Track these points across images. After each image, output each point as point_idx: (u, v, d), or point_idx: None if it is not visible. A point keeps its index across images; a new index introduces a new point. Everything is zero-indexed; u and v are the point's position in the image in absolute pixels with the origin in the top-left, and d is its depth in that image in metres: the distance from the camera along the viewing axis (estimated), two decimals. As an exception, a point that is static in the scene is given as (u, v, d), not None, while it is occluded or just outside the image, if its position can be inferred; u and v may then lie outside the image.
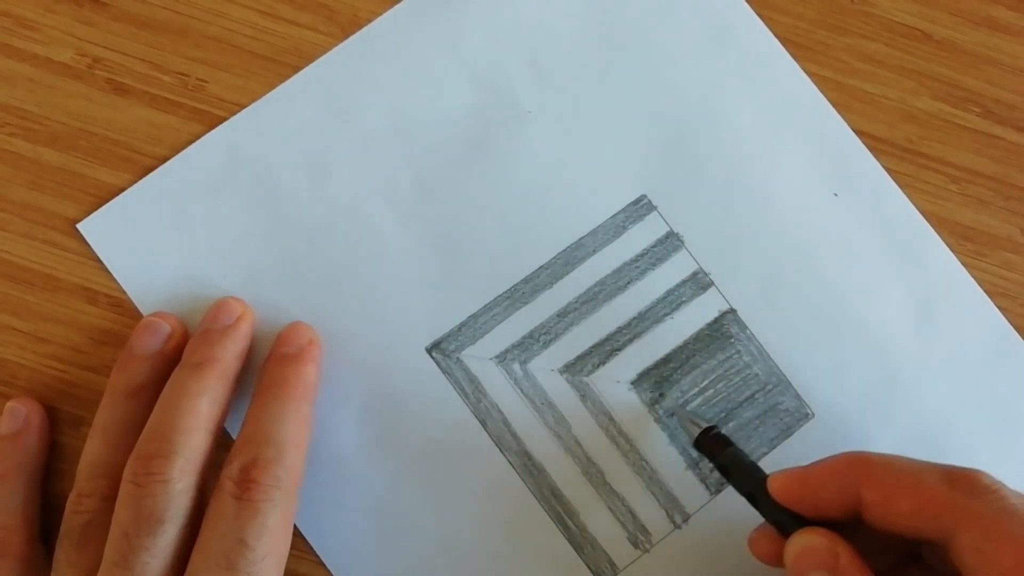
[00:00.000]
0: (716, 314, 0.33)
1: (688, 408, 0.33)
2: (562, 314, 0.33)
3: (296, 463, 0.29)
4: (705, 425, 0.31)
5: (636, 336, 0.33)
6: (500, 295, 0.33)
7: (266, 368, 0.31)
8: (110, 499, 0.29)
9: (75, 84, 0.34)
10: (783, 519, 0.28)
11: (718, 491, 0.32)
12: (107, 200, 0.33)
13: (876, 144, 0.35)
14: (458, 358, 0.33)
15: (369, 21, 0.34)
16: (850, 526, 0.27)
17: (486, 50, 0.34)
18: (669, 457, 0.33)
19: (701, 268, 0.33)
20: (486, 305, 0.33)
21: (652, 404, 0.33)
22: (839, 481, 0.27)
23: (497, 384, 0.33)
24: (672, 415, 0.33)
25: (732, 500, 0.32)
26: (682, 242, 0.34)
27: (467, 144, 0.34)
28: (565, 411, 0.33)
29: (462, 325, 0.33)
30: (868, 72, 0.35)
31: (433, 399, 0.32)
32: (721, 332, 0.33)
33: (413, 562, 0.32)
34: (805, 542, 0.27)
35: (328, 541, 0.32)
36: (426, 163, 0.34)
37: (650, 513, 0.32)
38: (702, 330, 0.33)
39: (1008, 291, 0.34)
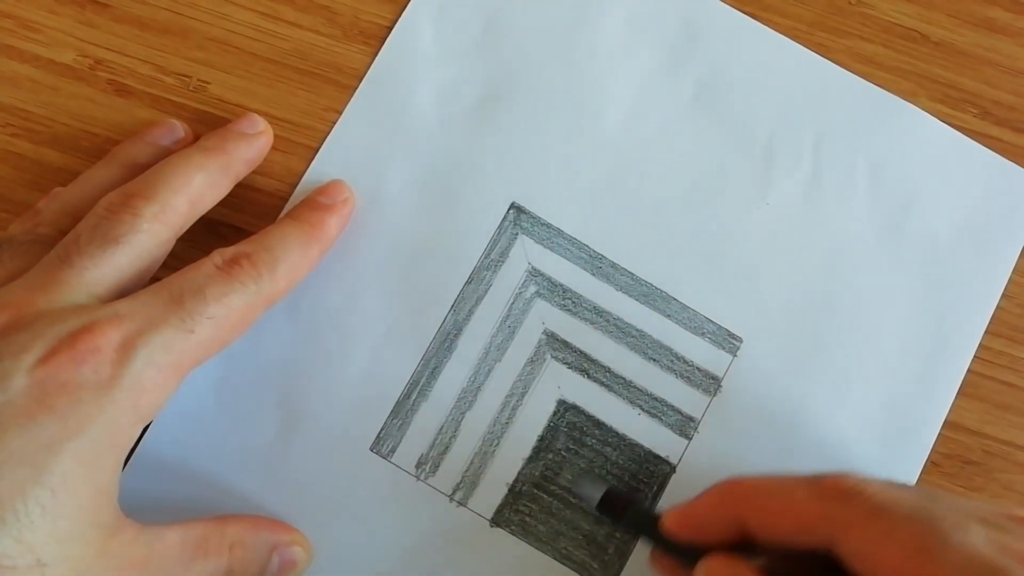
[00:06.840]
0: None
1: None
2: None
3: (283, 281, 0.28)
4: (605, 487, 0.30)
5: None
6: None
7: (297, 206, 0.31)
8: (64, 235, 0.28)
9: (77, 85, 0.34)
10: (685, 554, 0.28)
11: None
12: (109, 201, 0.33)
13: (875, 145, 0.35)
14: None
15: (370, 24, 0.34)
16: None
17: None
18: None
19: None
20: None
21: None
22: (721, 513, 0.27)
23: None
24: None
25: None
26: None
27: None
28: None
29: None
30: (866, 73, 0.35)
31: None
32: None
33: None
34: (706, 569, 0.26)
35: None
36: None
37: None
38: None
39: (1007, 291, 0.34)
